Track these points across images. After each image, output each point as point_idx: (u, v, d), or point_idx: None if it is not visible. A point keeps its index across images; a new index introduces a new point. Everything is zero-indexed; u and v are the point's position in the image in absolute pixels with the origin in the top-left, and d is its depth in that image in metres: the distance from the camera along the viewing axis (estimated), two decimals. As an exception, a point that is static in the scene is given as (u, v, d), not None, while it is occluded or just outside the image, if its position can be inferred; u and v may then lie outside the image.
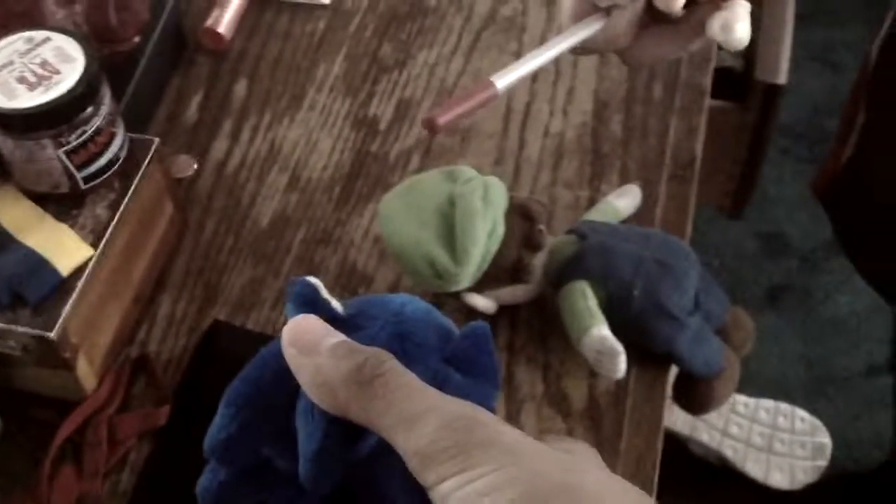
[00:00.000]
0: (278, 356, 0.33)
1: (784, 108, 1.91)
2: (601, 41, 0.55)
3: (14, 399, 0.63)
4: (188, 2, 0.86)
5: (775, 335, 1.67)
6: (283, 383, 0.33)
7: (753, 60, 1.29)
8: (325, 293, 0.35)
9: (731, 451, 1.44)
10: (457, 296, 0.65)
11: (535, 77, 0.80)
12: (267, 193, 0.75)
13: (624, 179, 0.74)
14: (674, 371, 0.67)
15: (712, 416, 1.47)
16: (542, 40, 0.83)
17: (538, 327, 0.67)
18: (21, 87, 0.59)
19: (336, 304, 0.35)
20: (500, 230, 0.63)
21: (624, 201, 0.70)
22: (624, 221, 0.70)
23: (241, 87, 0.82)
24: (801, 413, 1.50)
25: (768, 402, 1.49)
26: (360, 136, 0.78)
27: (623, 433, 0.62)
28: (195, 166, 0.76)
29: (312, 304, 0.34)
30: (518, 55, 0.82)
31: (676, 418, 1.45)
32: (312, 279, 0.35)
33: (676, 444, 1.46)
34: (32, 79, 0.59)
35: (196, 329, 0.68)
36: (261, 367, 0.35)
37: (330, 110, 0.80)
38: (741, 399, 1.47)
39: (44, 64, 0.60)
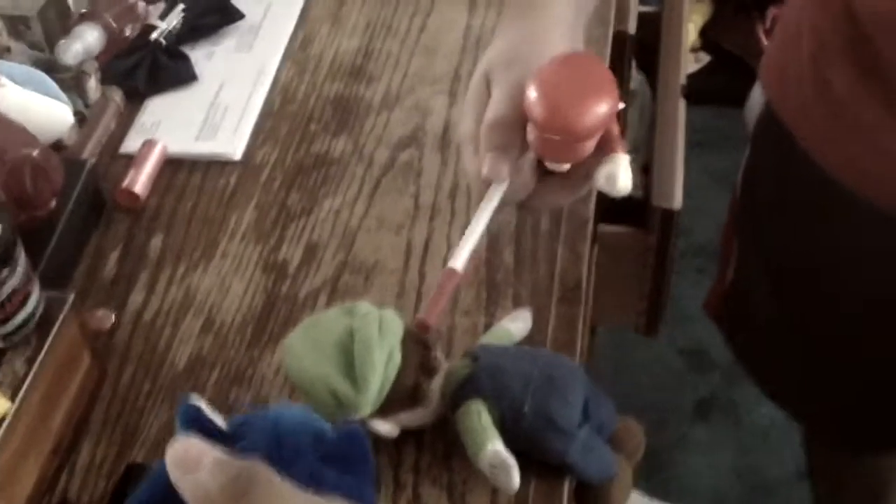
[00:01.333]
0: (167, 474, 0.37)
1: (697, 230, 2.02)
2: (506, 196, 0.63)
3: (-65, 554, 0.65)
4: (106, 166, 0.92)
5: (706, 447, 1.72)
6: (173, 499, 0.37)
7: (651, 189, 1.38)
8: (207, 411, 0.39)
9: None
10: (361, 424, 0.69)
11: (431, 216, 0.87)
12: (182, 338, 0.79)
13: (517, 305, 0.79)
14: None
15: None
16: (438, 183, 0.90)
17: (442, 448, 0.71)
18: (-60, 255, 0.64)
19: (219, 421, 0.39)
20: (397, 358, 0.68)
21: (516, 324, 0.76)
22: (518, 343, 0.76)
23: (156, 241, 0.87)
24: (737, 523, 1.53)
25: (704, 514, 1.52)
26: (271, 279, 0.83)
27: (524, 544, 0.66)
28: (113, 318, 0.80)
29: (197, 421, 0.38)
30: (416, 197, 0.89)
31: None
32: (195, 399, 0.39)
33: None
34: (-49, 246, 0.64)
35: (115, 473, 0.71)
36: (153, 485, 0.39)
37: (242, 257, 0.85)
38: (679, 512, 1.51)
39: (-38, 232, 0.65)
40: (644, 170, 1.57)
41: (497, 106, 0.65)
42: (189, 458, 0.35)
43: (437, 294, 0.60)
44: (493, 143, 0.64)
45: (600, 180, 0.63)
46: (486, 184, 0.66)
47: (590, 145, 0.63)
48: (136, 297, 0.82)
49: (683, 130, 1.45)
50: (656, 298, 1.43)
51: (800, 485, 1.65)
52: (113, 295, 0.83)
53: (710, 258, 2.02)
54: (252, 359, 0.78)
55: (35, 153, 0.75)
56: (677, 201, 1.34)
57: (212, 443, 0.36)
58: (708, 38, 2.32)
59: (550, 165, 0.65)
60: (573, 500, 0.71)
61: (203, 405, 0.38)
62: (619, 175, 0.62)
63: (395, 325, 0.69)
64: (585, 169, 0.65)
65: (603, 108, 0.62)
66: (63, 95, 0.86)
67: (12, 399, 0.65)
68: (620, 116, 0.64)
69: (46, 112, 0.83)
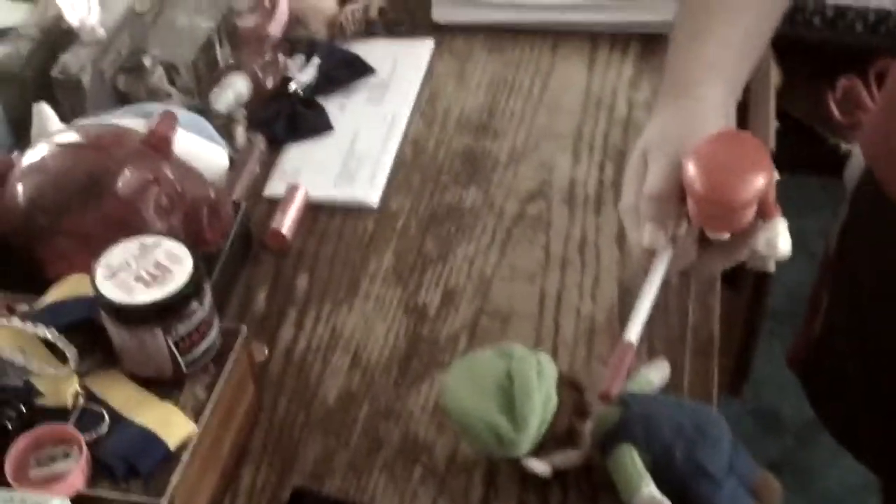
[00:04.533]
0: None
1: (771, 294, 2.04)
2: (669, 266, 0.67)
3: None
4: (251, 207, 0.97)
5: (778, 511, 1.72)
6: None
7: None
8: None
9: None
10: (512, 462, 0.73)
11: (562, 266, 0.91)
12: (332, 373, 0.83)
13: (651, 356, 0.83)
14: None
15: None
16: (566, 235, 0.94)
17: (587, 491, 0.74)
18: (138, 286, 0.68)
19: None
20: (554, 400, 0.71)
21: (655, 373, 0.79)
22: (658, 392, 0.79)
23: (302, 281, 0.91)
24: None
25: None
26: (412, 322, 0.87)
27: (673, 584, 0.69)
28: (266, 352, 0.85)
29: None
30: (546, 248, 0.93)
31: None
32: None
33: None
34: (147, 277, 0.69)
35: (276, 497, 0.75)
36: None
37: (383, 299, 0.89)
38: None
39: (157, 265, 0.70)
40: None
41: (654, 180, 0.69)
42: None
43: (616, 366, 0.63)
44: (652, 215, 0.68)
45: (760, 245, 0.67)
46: (648, 253, 0.69)
47: (749, 213, 0.66)
48: (286, 333, 0.87)
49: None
50: (744, 357, 1.46)
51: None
52: (263, 330, 0.87)
53: (781, 322, 2.04)
54: (399, 395, 0.82)
55: (212, 194, 0.80)
56: (772, 264, 1.37)
57: None
58: (777, 105, 2.36)
59: (712, 236, 0.69)
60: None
61: None
62: (780, 239, 0.66)
63: (550, 369, 0.73)
64: (745, 235, 0.68)
65: (760, 180, 0.66)
66: (220, 139, 0.92)
67: (196, 422, 0.69)
68: (777, 185, 0.68)
69: (207, 155, 0.89)
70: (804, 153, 2.27)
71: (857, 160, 1.03)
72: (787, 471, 1.79)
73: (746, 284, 1.39)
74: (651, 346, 0.84)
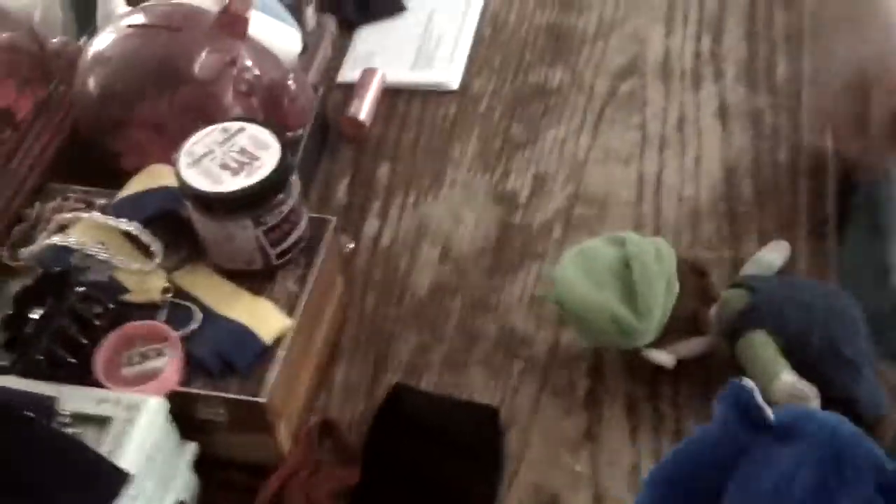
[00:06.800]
0: (712, 448, 0.36)
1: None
2: None
3: (211, 465, 0.66)
4: (326, 94, 0.92)
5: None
6: (709, 473, 0.37)
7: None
8: (759, 398, 0.38)
9: None
10: (618, 354, 0.69)
11: (661, 148, 0.85)
12: (421, 266, 0.79)
13: (762, 238, 0.77)
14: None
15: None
16: (663, 112, 0.88)
17: (699, 383, 0.70)
18: (224, 174, 0.64)
19: (768, 411, 0.38)
20: (676, 286, 0.67)
21: (775, 255, 0.74)
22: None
23: (384, 170, 0.87)
24: None
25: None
26: (503, 210, 0.83)
27: (799, 476, 0.64)
28: (352, 244, 0.80)
29: (745, 407, 0.37)
30: (642, 128, 0.87)
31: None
32: (748, 383, 0.38)
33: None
34: (234, 165, 0.64)
35: (371, 394, 0.71)
36: (690, 454, 0.38)
37: (470, 187, 0.85)
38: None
39: (242, 151, 0.65)
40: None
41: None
42: None
43: None
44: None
45: None
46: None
47: None
48: (371, 225, 0.83)
49: None
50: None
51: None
52: (347, 221, 0.83)
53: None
54: (494, 287, 0.77)
55: (290, 77, 0.75)
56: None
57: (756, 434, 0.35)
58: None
59: None
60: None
61: (756, 391, 0.38)
62: None
63: (669, 254, 0.68)
64: None
65: None
66: (292, 20, 0.86)
67: (290, 315, 0.66)
68: None
69: (280, 37, 0.83)
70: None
71: None
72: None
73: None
74: (762, 227, 0.78)
